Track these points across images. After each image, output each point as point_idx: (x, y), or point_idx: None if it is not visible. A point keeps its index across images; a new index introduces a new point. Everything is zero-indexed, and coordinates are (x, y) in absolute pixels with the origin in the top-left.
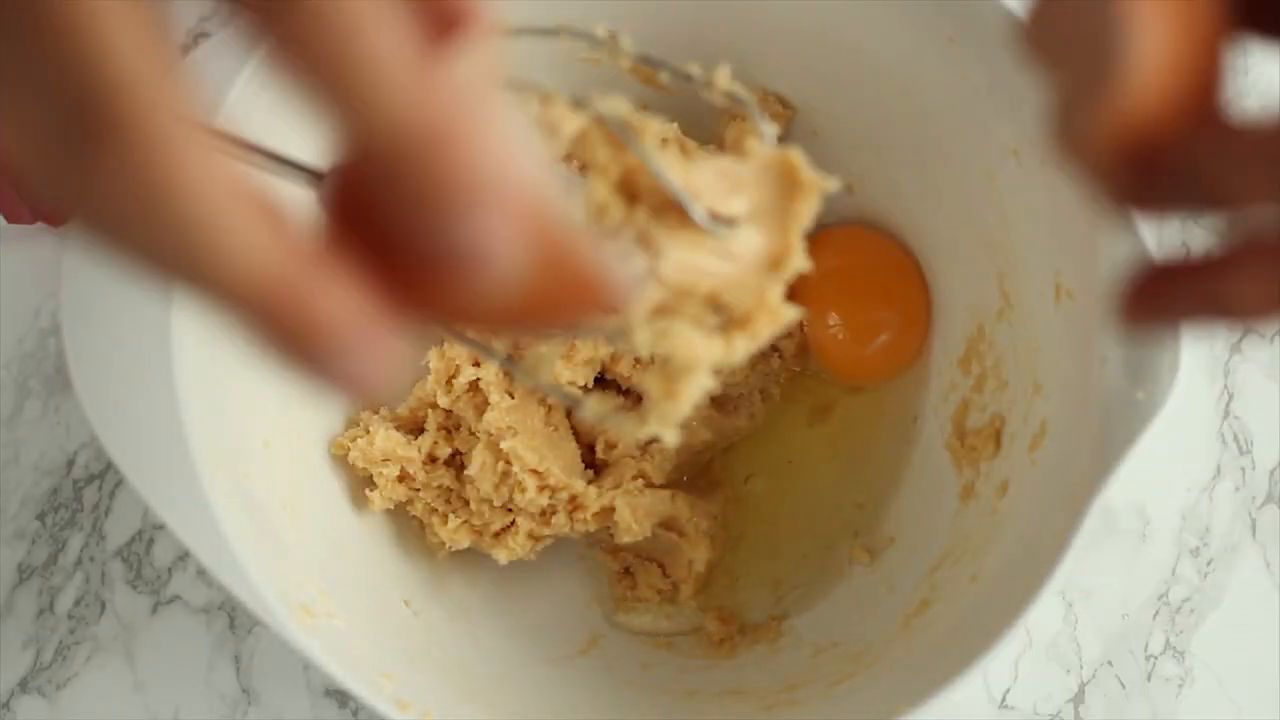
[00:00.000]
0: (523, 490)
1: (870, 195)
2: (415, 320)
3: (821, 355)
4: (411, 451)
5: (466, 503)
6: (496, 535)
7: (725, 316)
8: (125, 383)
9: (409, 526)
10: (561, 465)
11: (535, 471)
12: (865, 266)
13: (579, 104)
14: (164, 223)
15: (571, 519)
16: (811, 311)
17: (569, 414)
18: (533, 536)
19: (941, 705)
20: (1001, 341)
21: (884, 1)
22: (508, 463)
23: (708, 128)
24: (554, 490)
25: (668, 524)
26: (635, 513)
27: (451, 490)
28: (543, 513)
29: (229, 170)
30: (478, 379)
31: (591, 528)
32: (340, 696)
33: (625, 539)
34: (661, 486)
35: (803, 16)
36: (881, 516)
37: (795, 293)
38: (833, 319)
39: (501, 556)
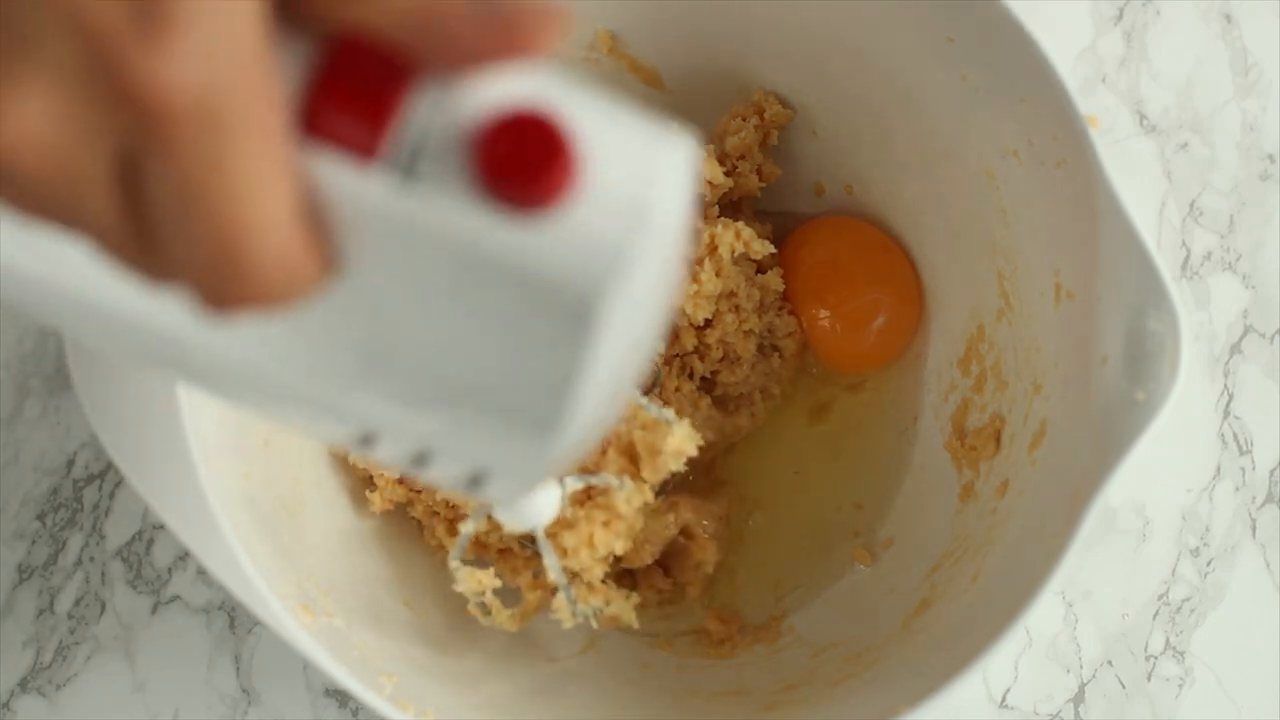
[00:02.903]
0: None
1: (870, 195)
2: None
3: (820, 349)
4: None
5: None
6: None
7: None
8: (125, 382)
9: (409, 526)
10: None
11: None
12: (849, 253)
13: None
14: None
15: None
16: (803, 307)
17: None
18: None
19: (941, 705)
20: (1001, 341)
21: (884, 1)
22: None
23: (707, 127)
24: None
25: (674, 535)
26: (640, 551)
27: None
28: None
29: None
30: None
31: None
32: (340, 696)
33: (636, 564)
34: (663, 490)
35: (802, 16)
36: (881, 517)
37: (787, 291)
38: (825, 311)
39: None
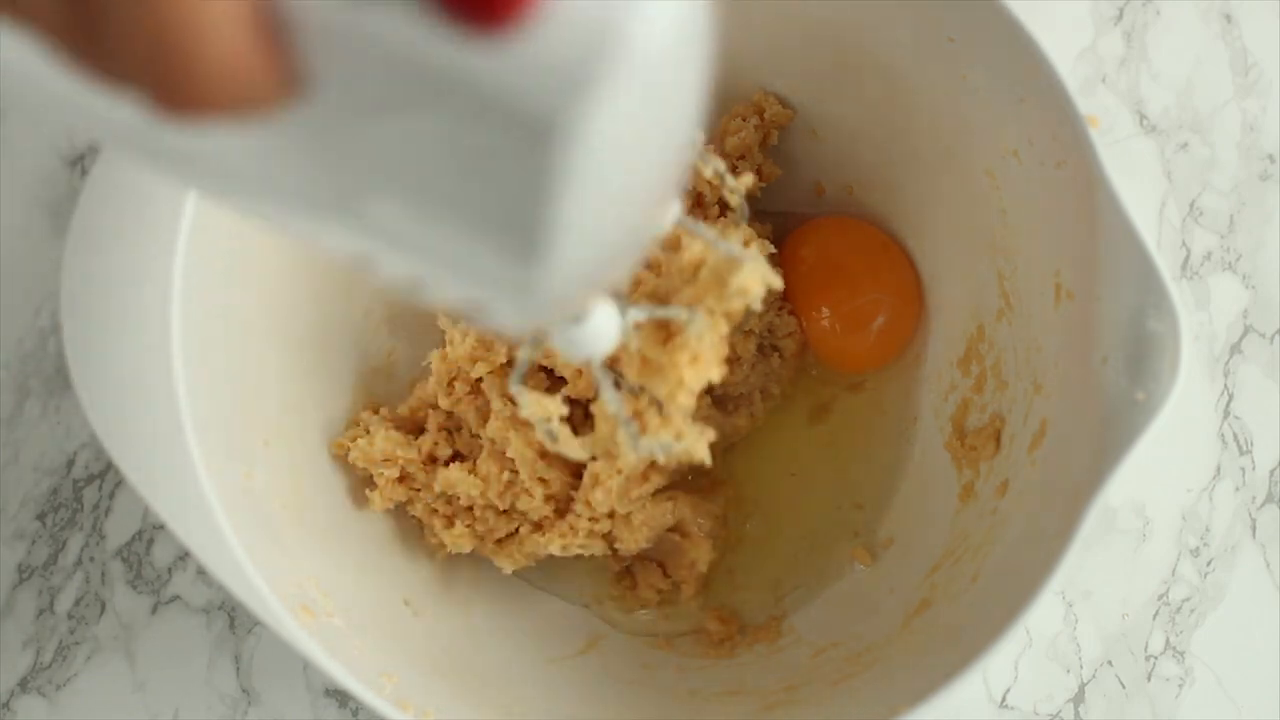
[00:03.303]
0: (530, 496)
1: (870, 195)
2: None
3: (820, 349)
4: (412, 452)
5: (469, 507)
6: (499, 542)
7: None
8: (125, 383)
9: (409, 526)
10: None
11: (543, 480)
12: (849, 253)
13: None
14: None
15: (574, 528)
16: (803, 307)
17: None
18: (533, 555)
19: (941, 705)
20: (1001, 341)
21: (884, 2)
22: (513, 471)
23: (707, 127)
24: (557, 499)
25: (670, 525)
26: (636, 533)
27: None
28: (543, 520)
29: None
30: (480, 378)
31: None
32: (340, 696)
33: (630, 548)
34: (663, 488)
35: (802, 17)
36: (881, 517)
37: (787, 291)
38: (825, 311)
39: (505, 565)
